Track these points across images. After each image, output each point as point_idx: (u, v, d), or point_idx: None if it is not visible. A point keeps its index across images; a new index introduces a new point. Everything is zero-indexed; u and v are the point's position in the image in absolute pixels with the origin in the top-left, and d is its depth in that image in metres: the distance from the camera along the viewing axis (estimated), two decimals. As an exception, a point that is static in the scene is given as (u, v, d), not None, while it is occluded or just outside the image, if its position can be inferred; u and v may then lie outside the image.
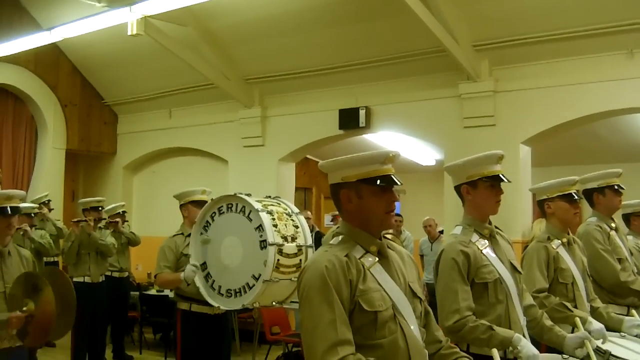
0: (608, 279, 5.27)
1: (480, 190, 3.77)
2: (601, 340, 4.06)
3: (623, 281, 5.26)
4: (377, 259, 2.85)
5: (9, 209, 4.74)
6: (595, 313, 4.65)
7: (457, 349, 3.09)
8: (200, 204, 6.14)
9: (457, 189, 3.87)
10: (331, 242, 2.89)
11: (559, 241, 4.67)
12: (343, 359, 2.56)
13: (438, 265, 3.77)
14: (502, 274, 3.70)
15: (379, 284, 2.79)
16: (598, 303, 4.84)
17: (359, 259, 2.80)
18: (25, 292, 4.61)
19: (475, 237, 3.77)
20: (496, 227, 3.89)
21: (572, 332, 4.03)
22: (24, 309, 4.50)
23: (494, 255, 3.74)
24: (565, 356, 3.70)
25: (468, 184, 3.79)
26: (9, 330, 4.56)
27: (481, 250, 3.72)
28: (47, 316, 4.51)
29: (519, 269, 3.88)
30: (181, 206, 6.50)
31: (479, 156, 3.79)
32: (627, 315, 4.89)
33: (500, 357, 3.37)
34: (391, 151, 2.91)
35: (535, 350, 3.41)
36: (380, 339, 2.71)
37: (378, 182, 2.83)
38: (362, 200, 2.86)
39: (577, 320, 4.06)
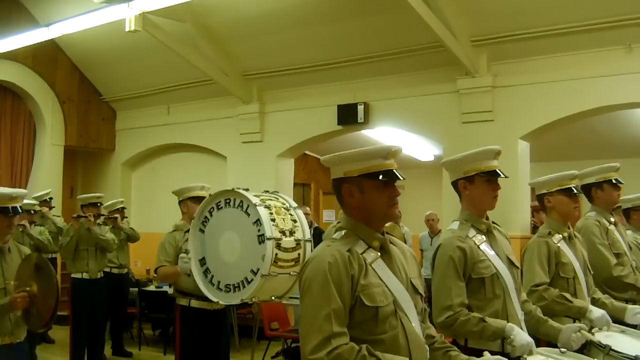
0: (602, 272, 5.25)
1: (478, 185, 3.77)
2: (605, 327, 4.06)
3: (616, 275, 5.25)
4: (379, 254, 2.87)
5: (10, 209, 4.74)
6: (597, 304, 4.65)
7: (448, 343, 3.12)
8: (199, 200, 6.15)
9: (454, 184, 3.87)
10: (334, 236, 2.91)
11: (560, 235, 4.67)
12: (336, 348, 2.58)
13: (434, 260, 3.78)
14: (500, 269, 3.70)
15: (381, 279, 2.80)
16: (599, 294, 4.85)
17: (361, 254, 2.82)
18: (29, 274, 4.62)
19: (472, 232, 3.77)
20: (493, 222, 3.90)
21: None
22: (27, 289, 4.52)
23: (491, 250, 3.74)
24: (563, 350, 3.69)
25: (465, 179, 3.79)
26: (14, 310, 4.58)
27: (478, 246, 3.72)
28: (50, 295, 4.53)
29: (517, 263, 3.88)
30: (180, 202, 6.53)
31: (476, 151, 3.80)
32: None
33: (498, 351, 3.37)
34: (393, 146, 2.93)
35: (529, 339, 3.41)
36: (381, 334, 2.73)
37: (380, 176, 2.85)
38: (364, 195, 2.88)
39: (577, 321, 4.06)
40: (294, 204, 5.35)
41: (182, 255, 5.89)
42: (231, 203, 5.18)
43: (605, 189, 5.45)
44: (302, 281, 2.78)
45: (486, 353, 3.23)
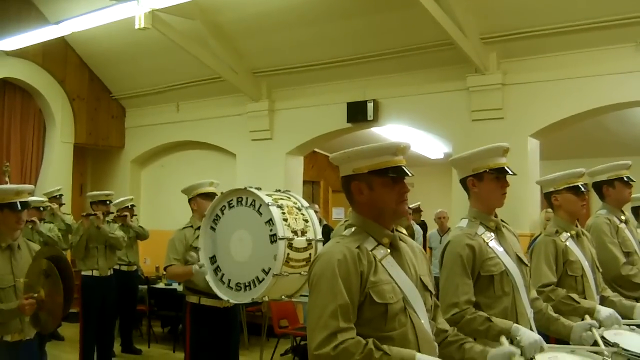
0: (610, 270, 5.22)
1: (486, 182, 3.75)
2: (615, 325, 4.05)
3: (624, 274, 5.23)
4: (388, 251, 2.86)
5: (18, 204, 4.73)
6: (605, 302, 4.63)
7: (462, 335, 3.11)
8: (208, 196, 6.17)
9: (463, 181, 3.86)
10: (344, 233, 2.90)
11: (568, 234, 4.65)
12: (342, 342, 2.58)
13: (443, 257, 3.78)
14: (509, 266, 3.69)
15: (390, 276, 2.80)
16: (608, 292, 4.82)
17: (371, 250, 2.81)
18: (38, 277, 4.61)
19: (481, 229, 3.76)
20: (502, 220, 3.89)
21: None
22: (35, 295, 4.50)
23: (500, 247, 3.74)
24: (573, 348, 3.68)
25: (474, 176, 3.78)
26: (22, 316, 4.58)
27: (487, 243, 3.70)
28: (57, 300, 4.51)
29: (526, 261, 3.87)
30: (190, 200, 6.52)
31: (484, 149, 3.79)
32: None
33: None
34: (402, 142, 2.93)
35: (536, 336, 3.38)
36: (390, 331, 2.72)
37: (389, 173, 2.84)
38: (374, 192, 2.87)
39: (587, 317, 4.05)
40: (306, 204, 5.35)
41: (202, 267, 5.55)
42: (243, 202, 5.18)
43: (617, 186, 5.41)
44: (311, 277, 2.78)
45: (502, 338, 3.22)
